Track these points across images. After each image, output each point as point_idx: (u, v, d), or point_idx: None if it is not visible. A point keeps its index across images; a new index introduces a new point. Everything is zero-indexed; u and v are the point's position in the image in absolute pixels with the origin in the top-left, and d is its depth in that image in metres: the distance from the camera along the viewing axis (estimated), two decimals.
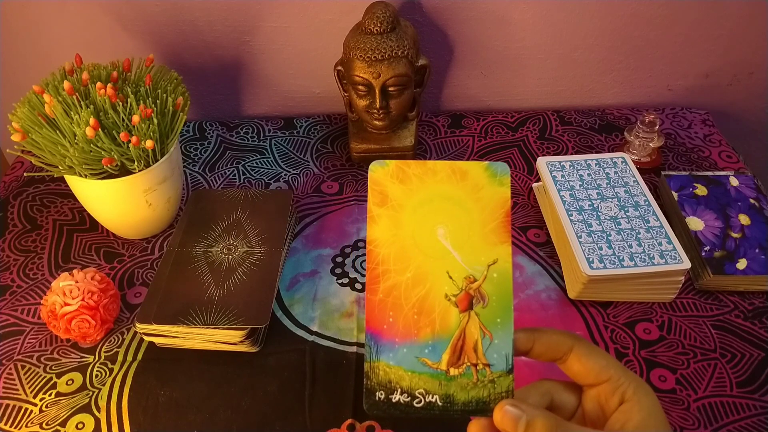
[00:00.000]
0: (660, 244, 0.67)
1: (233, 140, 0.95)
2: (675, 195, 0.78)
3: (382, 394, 0.35)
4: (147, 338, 0.65)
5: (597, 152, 0.92)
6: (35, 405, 0.61)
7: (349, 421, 0.59)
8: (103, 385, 0.62)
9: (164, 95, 0.70)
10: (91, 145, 0.65)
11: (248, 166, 0.90)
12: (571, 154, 0.92)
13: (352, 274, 0.73)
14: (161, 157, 0.70)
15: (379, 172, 0.37)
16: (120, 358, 0.65)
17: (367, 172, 0.95)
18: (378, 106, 0.81)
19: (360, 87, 0.81)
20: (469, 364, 0.35)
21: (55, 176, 0.70)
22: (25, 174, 0.88)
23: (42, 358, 0.65)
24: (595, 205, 0.72)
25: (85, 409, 0.60)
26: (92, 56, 0.76)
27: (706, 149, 0.93)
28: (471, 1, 0.89)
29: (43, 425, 0.59)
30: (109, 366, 0.64)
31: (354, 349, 0.65)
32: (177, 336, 0.64)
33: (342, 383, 0.62)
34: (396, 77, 0.79)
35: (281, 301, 0.70)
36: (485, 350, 0.35)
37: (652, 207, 0.71)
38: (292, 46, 0.94)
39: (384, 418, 0.59)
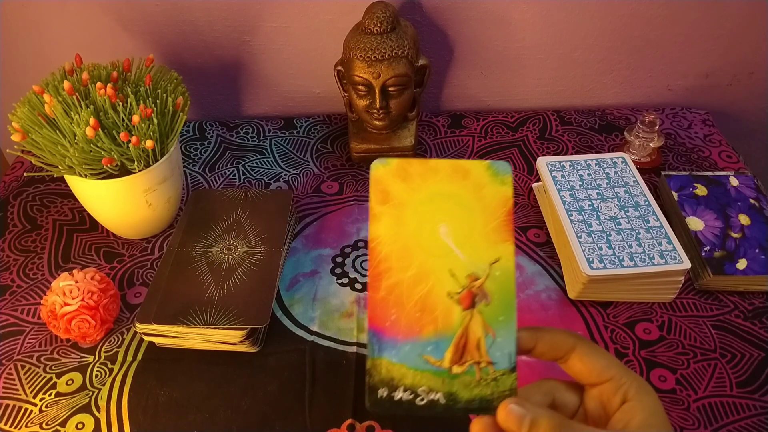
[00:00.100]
0: (660, 244, 0.67)
1: (233, 140, 0.95)
2: (675, 195, 0.78)
3: (384, 392, 0.35)
4: (147, 338, 0.65)
5: (597, 152, 0.92)
6: (35, 405, 0.61)
7: (349, 421, 0.59)
8: (103, 385, 0.62)
9: (164, 95, 0.70)
10: (91, 145, 0.65)
11: (248, 166, 0.90)
12: (571, 154, 0.92)
13: (352, 274, 0.73)
14: (161, 157, 0.70)
15: (381, 170, 0.36)
16: (120, 358, 0.65)
17: (367, 172, 0.95)
18: (378, 106, 0.81)
19: (360, 87, 0.81)
20: (472, 362, 0.35)
21: (55, 176, 0.70)
22: (25, 174, 0.88)
23: (42, 358, 0.65)
24: (595, 205, 0.72)
25: (85, 409, 0.60)
26: (92, 56, 0.76)
27: (706, 149, 0.93)
28: (471, 1, 0.89)
29: (43, 425, 0.59)
30: (109, 366, 0.64)
31: (354, 349, 0.65)
32: (177, 336, 0.64)
33: (342, 383, 0.62)
34: (396, 77, 0.79)
35: (281, 301, 0.70)
36: (488, 348, 0.35)
37: (652, 207, 0.71)
38: (292, 46, 0.94)
39: (384, 417, 0.59)
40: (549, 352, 0.37)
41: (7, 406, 0.61)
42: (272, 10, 0.89)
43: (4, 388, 0.62)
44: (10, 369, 0.64)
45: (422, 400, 0.35)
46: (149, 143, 0.67)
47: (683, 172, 0.81)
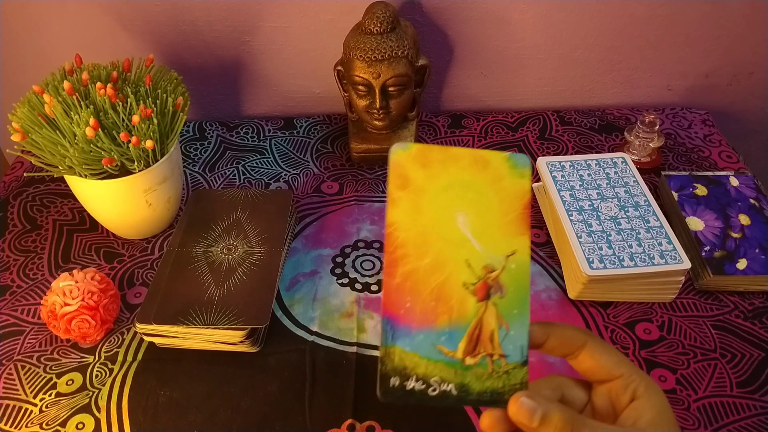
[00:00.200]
0: (660, 244, 0.67)
1: (233, 140, 0.95)
2: (675, 195, 0.78)
3: (396, 381, 0.34)
4: (147, 338, 0.65)
5: (597, 152, 0.92)
6: (35, 405, 0.61)
7: (349, 421, 0.59)
8: (103, 385, 0.62)
9: (164, 95, 0.70)
10: (91, 145, 0.65)
11: (248, 166, 0.90)
12: (571, 154, 0.92)
13: (352, 274, 0.73)
14: (161, 157, 0.70)
15: (402, 154, 0.36)
16: (120, 358, 0.65)
17: (367, 172, 0.95)
18: (378, 106, 0.81)
19: (360, 87, 0.81)
20: (484, 354, 0.35)
21: (55, 176, 0.70)
22: (25, 174, 0.88)
23: (42, 358, 0.65)
24: (595, 205, 0.72)
25: (85, 409, 0.60)
26: (92, 56, 0.76)
27: (706, 149, 0.93)
28: (471, 1, 0.89)
29: (43, 425, 0.59)
30: (109, 366, 0.64)
31: (354, 349, 0.65)
32: (177, 336, 0.64)
33: (342, 383, 0.62)
34: (396, 77, 0.79)
35: (281, 301, 0.70)
36: (501, 341, 0.35)
37: (652, 207, 0.71)
38: (292, 46, 0.94)
39: (384, 416, 0.59)
40: (560, 347, 0.37)
41: (7, 406, 0.61)
42: (272, 10, 0.89)
43: (4, 388, 0.62)
44: (10, 369, 0.64)
45: (434, 390, 0.34)
46: (149, 143, 0.67)
47: (683, 172, 0.81)
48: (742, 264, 0.69)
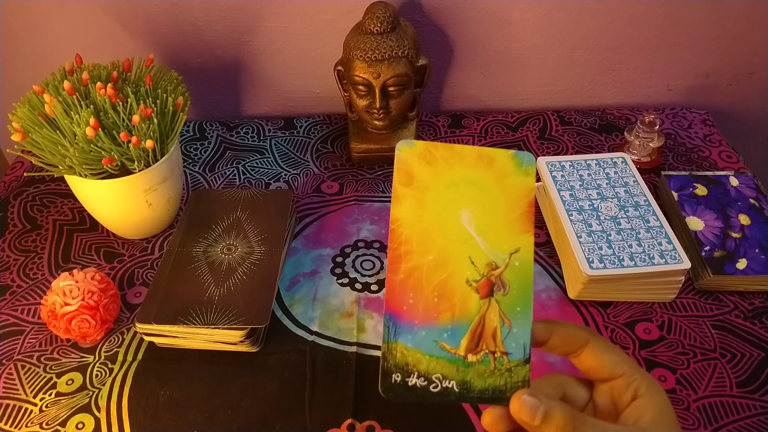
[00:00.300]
0: (660, 244, 0.67)
1: (233, 140, 0.95)
2: (675, 195, 0.78)
3: (398, 377, 0.34)
4: (147, 338, 0.65)
5: (597, 152, 0.92)
6: (35, 405, 0.61)
7: (349, 421, 0.59)
8: (103, 385, 0.62)
9: (164, 95, 0.70)
10: (91, 145, 0.65)
11: (248, 166, 0.90)
12: (571, 154, 0.92)
13: (352, 274, 0.73)
14: (161, 157, 0.70)
15: (407, 151, 0.36)
16: (120, 358, 0.65)
17: (367, 172, 0.95)
18: (378, 106, 0.81)
19: (360, 87, 0.81)
20: (487, 351, 0.35)
21: (55, 176, 0.70)
22: (25, 174, 0.88)
23: (42, 358, 0.65)
24: (595, 205, 0.72)
25: (85, 409, 0.60)
26: (92, 56, 0.76)
27: (706, 149, 0.93)
28: (471, 1, 0.89)
29: (43, 425, 0.59)
30: (109, 366, 0.64)
31: (354, 349, 0.65)
32: (177, 336, 0.64)
33: (342, 383, 0.62)
34: (396, 77, 0.79)
35: (281, 301, 0.70)
36: (504, 338, 0.35)
37: (652, 207, 0.71)
38: (292, 46, 0.94)
39: (384, 416, 0.59)
40: (562, 345, 0.37)
41: (7, 406, 0.61)
42: (272, 10, 0.89)
43: (4, 388, 0.62)
44: (10, 369, 0.64)
45: (436, 387, 0.34)
46: (149, 143, 0.67)
47: (683, 172, 0.81)
48: (742, 264, 0.69)
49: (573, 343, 0.37)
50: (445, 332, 0.35)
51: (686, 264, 0.65)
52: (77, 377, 0.63)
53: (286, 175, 0.88)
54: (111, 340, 0.66)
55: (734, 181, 0.78)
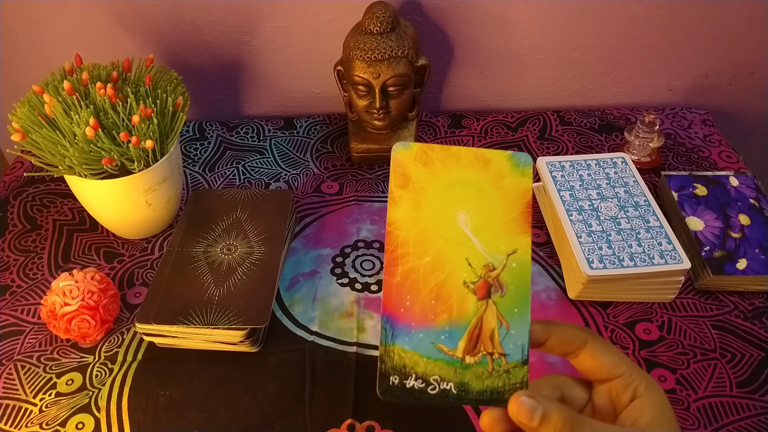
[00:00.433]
0: (660, 244, 0.67)
1: (233, 140, 0.95)
2: (675, 195, 0.78)
3: (396, 379, 0.34)
4: (147, 338, 0.65)
5: (597, 152, 0.92)
6: (35, 405, 0.61)
7: (349, 421, 0.59)
8: (103, 385, 0.62)
9: (164, 95, 0.70)
10: (91, 145, 0.65)
11: (248, 166, 0.90)
12: (571, 154, 0.92)
13: (352, 274, 0.73)
14: (161, 157, 0.70)
15: (403, 153, 0.36)
16: (120, 358, 0.65)
17: (367, 172, 0.95)
18: (378, 106, 0.81)
19: (360, 87, 0.81)
20: (485, 352, 0.35)
21: (55, 176, 0.70)
22: (25, 174, 0.88)
23: (42, 358, 0.65)
24: (595, 205, 0.72)
25: (85, 409, 0.60)
26: (92, 56, 0.76)
27: (706, 149, 0.93)
28: (471, 1, 0.89)
29: (43, 425, 0.59)
30: (109, 366, 0.64)
31: (354, 349, 0.65)
32: (177, 336, 0.64)
33: (342, 383, 0.62)
34: (396, 77, 0.79)
35: (281, 301, 0.70)
36: (501, 340, 0.35)
37: (652, 207, 0.71)
38: (292, 46, 0.94)
39: (384, 416, 0.59)
40: (560, 346, 0.37)
41: (7, 406, 0.61)
42: (272, 10, 0.89)
43: (4, 388, 0.62)
44: (10, 369, 0.64)
45: (434, 389, 0.34)
46: (149, 143, 0.67)
47: (683, 172, 0.81)
48: (742, 264, 0.69)
49: (571, 343, 0.37)
50: (442, 334, 0.35)
51: (686, 264, 0.65)
52: (77, 377, 0.63)
53: (286, 175, 0.88)
54: (111, 340, 0.66)
55: (734, 181, 0.78)
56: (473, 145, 0.94)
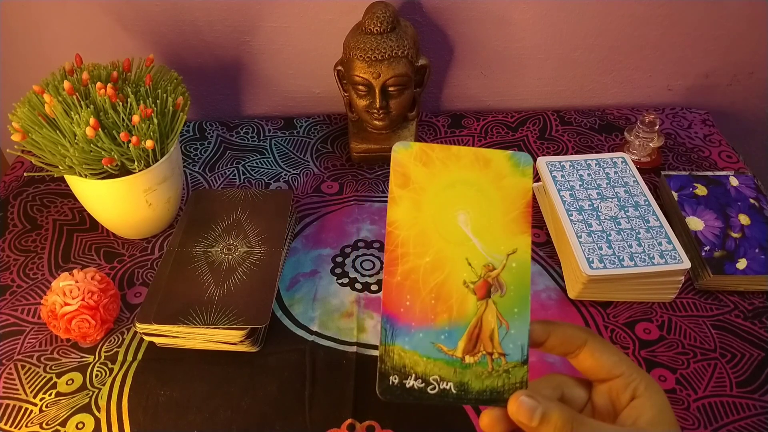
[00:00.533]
0: (660, 244, 0.67)
1: (233, 140, 0.95)
2: (675, 195, 0.78)
3: (396, 379, 0.34)
4: (147, 338, 0.65)
5: (597, 152, 0.92)
6: (35, 405, 0.61)
7: (349, 421, 0.59)
8: (103, 385, 0.62)
9: (164, 95, 0.70)
10: (91, 145, 0.65)
11: (248, 166, 0.90)
12: (571, 154, 0.92)
13: (352, 274, 0.73)
14: (161, 157, 0.70)
15: (403, 153, 0.36)
16: (120, 358, 0.65)
17: (367, 172, 0.95)
18: (378, 106, 0.81)
19: (360, 87, 0.81)
20: (484, 352, 0.35)
21: (55, 176, 0.70)
22: (25, 174, 0.88)
23: (42, 358, 0.65)
24: (595, 205, 0.72)
25: (85, 409, 0.60)
26: (92, 56, 0.76)
27: (706, 149, 0.93)
28: (471, 1, 0.89)
29: (43, 425, 0.59)
30: (109, 366, 0.64)
31: (354, 349, 0.65)
32: (177, 336, 0.64)
33: (342, 383, 0.62)
34: (396, 77, 0.79)
35: (281, 301, 0.70)
36: (501, 339, 0.35)
37: (652, 207, 0.71)
38: (292, 46, 0.94)
39: (384, 416, 0.59)
40: (560, 346, 0.37)
41: (7, 406, 0.61)
42: (272, 10, 0.89)
43: (4, 388, 0.62)
44: (10, 369, 0.64)
45: (434, 389, 0.34)
46: (149, 143, 0.67)
47: (683, 172, 0.81)
48: (742, 264, 0.69)
49: (571, 343, 0.37)
50: (442, 334, 0.35)
51: (686, 264, 0.65)
52: (77, 377, 0.63)
53: (286, 175, 0.88)
54: (111, 340, 0.67)
55: (734, 181, 0.78)
56: (473, 145, 0.94)
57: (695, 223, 0.74)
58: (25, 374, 0.63)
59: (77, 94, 0.68)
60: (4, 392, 0.62)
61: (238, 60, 0.95)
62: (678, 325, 0.68)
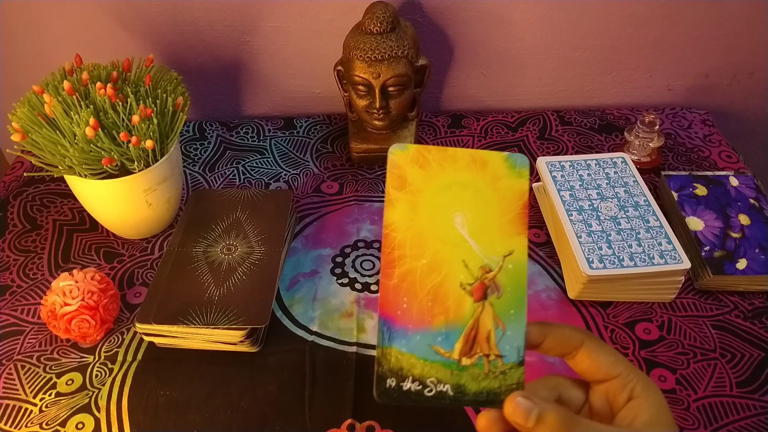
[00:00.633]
0: (660, 244, 0.67)
1: (233, 140, 0.95)
2: (675, 195, 0.78)
3: (393, 382, 0.34)
4: (147, 338, 0.65)
5: (597, 152, 0.92)
6: (35, 405, 0.61)
7: (349, 421, 0.59)
8: (103, 385, 0.62)
9: (164, 95, 0.70)
10: (91, 145, 0.65)
11: (248, 166, 0.90)
12: (571, 154, 0.92)
13: (352, 274, 0.73)
14: (161, 157, 0.70)
15: (399, 155, 0.36)
16: (120, 358, 0.65)
17: (367, 172, 0.95)
18: (378, 106, 0.81)
19: (360, 87, 0.81)
20: (481, 354, 0.35)
21: (55, 176, 0.70)
22: (25, 174, 0.88)
23: (42, 358, 0.65)
24: (595, 205, 0.72)
25: (85, 409, 0.60)
26: (92, 56, 0.76)
27: (706, 149, 0.93)
28: (471, 1, 0.89)
29: (43, 425, 0.59)
30: (109, 366, 0.64)
31: (354, 349, 0.65)
32: (177, 336, 0.64)
33: (342, 383, 0.62)
34: (396, 77, 0.79)
35: (281, 301, 0.70)
36: (498, 341, 0.35)
37: (652, 207, 0.71)
38: (292, 46, 0.94)
39: (384, 416, 0.59)
40: (557, 347, 0.37)
41: (7, 406, 0.61)
42: (272, 10, 0.89)
43: (4, 388, 0.62)
44: (10, 369, 0.64)
45: (431, 391, 0.34)
46: (149, 143, 0.67)
47: (683, 172, 0.81)
48: (741, 264, 0.69)
49: (568, 344, 0.37)
50: (439, 336, 0.35)
51: (686, 264, 0.65)
52: (77, 377, 0.63)
53: (286, 175, 0.88)
54: (111, 340, 0.67)
55: (734, 181, 0.78)
56: (473, 145, 0.94)
57: (695, 223, 0.74)
58: (25, 374, 0.63)
59: (77, 94, 0.68)
60: (4, 392, 0.62)
61: (238, 60, 0.95)
62: (678, 325, 0.68)
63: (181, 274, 0.67)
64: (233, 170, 0.89)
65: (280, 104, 1.01)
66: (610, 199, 0.73)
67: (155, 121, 0.68)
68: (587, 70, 0.99)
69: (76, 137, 0.65)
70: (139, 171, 0.69)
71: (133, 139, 0.66)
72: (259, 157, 0.92)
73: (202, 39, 0.92)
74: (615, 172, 0.76)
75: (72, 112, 0.65)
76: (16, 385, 0.62)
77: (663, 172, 0.83)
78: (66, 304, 0.63)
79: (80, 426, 0.59)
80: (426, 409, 0.59)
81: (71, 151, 0.64)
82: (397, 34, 0.79)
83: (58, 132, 0.66)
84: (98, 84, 0.67)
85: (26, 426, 0.59)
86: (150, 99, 0.70)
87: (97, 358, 0.65)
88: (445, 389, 0.34)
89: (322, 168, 0.89)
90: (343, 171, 0.89)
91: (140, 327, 0.63)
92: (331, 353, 0.65)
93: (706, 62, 0.99)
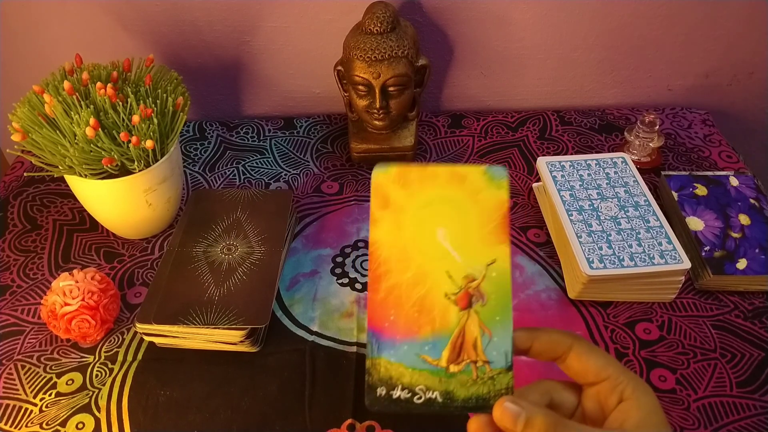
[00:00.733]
0: (660, 244, 0.67)
1: (233, 140, 0.95)
2: (675, 195, 0.78)
3: (383, 390, 0.35)
4: (147, 338, 0.65)
5: (597, 152, 0.92)
6: (35, 405, 0.61)
7: (349, 421, 0.59)
8: (103, 385, 0.62)
9: (164, 95, 0.70)
10: (91, 145, 0.65)
11: (248, 166, 0.90)
12: (571, 154, 0.92)
13: (352, 274, 0.73)
14: (161, 157, 0.70)
15: (382, 176, 0.37)
16: (120, 358, 0.65)
17: (367, 172, 0.96)
18: (378, 106, 0.81)
19: (360, 87, 0.81)
20: (468, 361, 0.36)
21: (55, 176, 0.70)
22: (25, 174, 0.88)
23: (42, 358, 0.65)
24: (595, 205, 0.72)
25: (85, 409, 0.60)
26: (92, 56, 0.76)
27: (706, 149, 0.93)
28: (471, 1, 0.89)
29: (43, 425, 0.59)
30: (109, 366, 0.64)
31: (354, 349, 0.65)
32: (177, 336, 0.64)
33: (342, 383, 0.62)
34: (396, 77, 0.79)
35: (281, 301, 0.70)
36: (485, 347, 0.36)
37: (652, 207, 0.71)
38: (292, 46, 0.94)
39: (384, 417, 0.59)
40: (546, 351, 0.38)
41: (7, 406, 0.61)
42: (272, 10, 0.89)
43: (4, 388, 0.62)
44: (10, 369, 0.64)
45: (420, 398, 0.35)
46: (149, 143, 0.67)
47: (683, 172, 0.81)
48: (742, 264, 0.69)
49: (556, 348, 0.37)
50: (426, 345, 0.36)
51: (686, 264, 0.65)
52: (77, 377, 0.63)
53: (286, 175, 0.88)
54: (111, 340, 0.67)
55: (734, 181, 0.78)
56: (473, 145, 0.94)
57: (695, 223, 0.74)
58: (25, 374, 0.63)
59: (77, 94, 0.68)
60: (4, 392, 0.62)
61: (238, 60, 0.95)
62: (678, 325, 0.68)
63: (182, 274, 0.67)
64: (233, 170, 0.89)
65: (280, 104, 1.01)
66: (610, 199, 0.73)
67: (155, 121, 0.68)
68: (587, 70, 0.99)
69: (77, 137, 0.65)
70: (139, 171, 0.69)
71: (134, 139, 0.66)
72: (259, 157, 0.92)
73: (202, 39, 0.92)
74: (615, 172, 0.76)
75: (72, 112, 0.65)
76: (16, 385, 0.62)
77: (663, 172, 0.83)
78: (66, 304, 0.63)
79: (80, 426, 0.59)
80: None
81: (71, 151, 0.64)
82: (397, 34, 0.79)
83: (58, 132, 0.66)
84: (98, 84, 0.67)
85: (26, 426, 0.59)
86: (150, 99, 0.70)
87: (97, 358, 0.65)
88: (434, 396, 0.35)
89: (322, 168, 0.90)
90: (343, 171, 0.89)
91: (140, 327, 0.63)
92: (331, 353, 0.65)
93: (706, 62, 0.99)
